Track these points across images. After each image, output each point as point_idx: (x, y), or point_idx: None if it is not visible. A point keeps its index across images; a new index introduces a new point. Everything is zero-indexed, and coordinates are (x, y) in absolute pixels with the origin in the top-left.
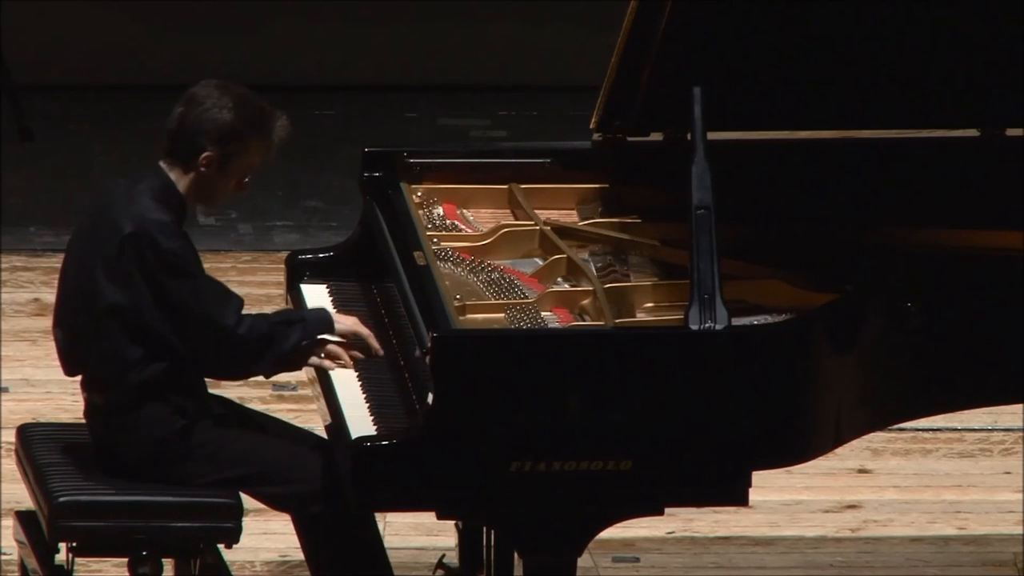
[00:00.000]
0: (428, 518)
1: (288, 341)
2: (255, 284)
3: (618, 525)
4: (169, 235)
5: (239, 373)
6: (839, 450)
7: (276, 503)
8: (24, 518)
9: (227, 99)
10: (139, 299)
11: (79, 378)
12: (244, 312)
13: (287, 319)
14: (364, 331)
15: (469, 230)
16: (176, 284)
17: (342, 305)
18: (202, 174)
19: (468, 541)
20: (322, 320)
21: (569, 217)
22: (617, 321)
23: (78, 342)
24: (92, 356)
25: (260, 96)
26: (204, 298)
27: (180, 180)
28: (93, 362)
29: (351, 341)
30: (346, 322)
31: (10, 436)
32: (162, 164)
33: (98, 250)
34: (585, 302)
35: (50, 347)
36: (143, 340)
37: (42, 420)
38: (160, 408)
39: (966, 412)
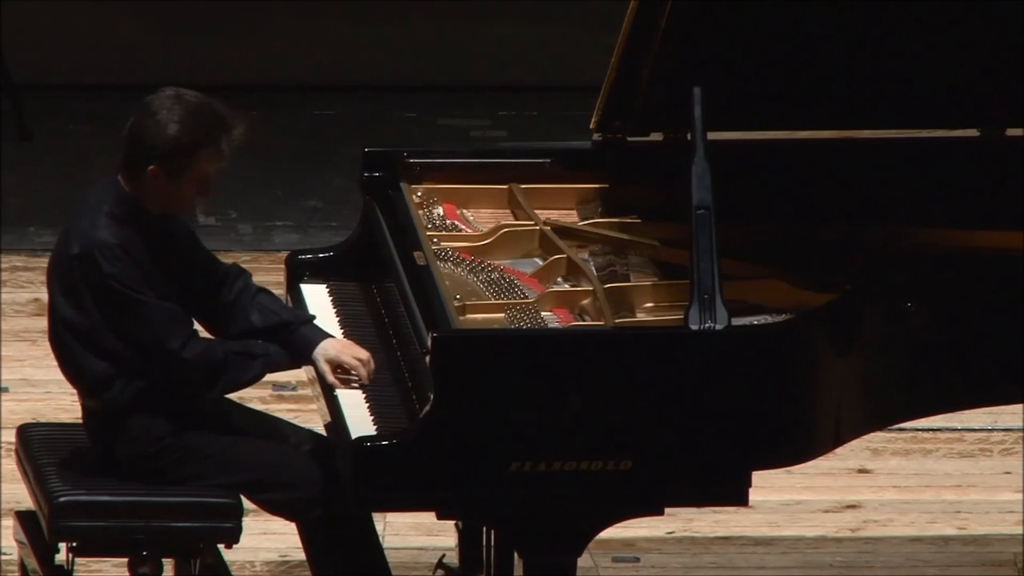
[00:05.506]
0: (428, 518)
1: (246, 373)
2: None
3: (618, 525)
4: (111, 259)
5: (192, 395)
6: (839, 450)
7: (274, 508)
8: (24, 518)
9: (177, 111)
10: (93, 318)
11: None
12: (197, 337)
13: (248, 351)
14: (350, 361)
15: (469, 230)
16: (120, 308)
17: (342, 305)
18: (151, 185)
19: (468, 541)
20: (288, 356)
21: (569, 217)
22: (617, 321)
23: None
24: (65, 365)
25: (218, 103)
26: (148, 322)
27: (135, 191)
28: (66, 372)
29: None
30: (326, 369)
31: (10, 436)
32: (119, 176)
33: (57, 262)
34: (585, 302)
35: (50, 347)
36: (104, 357)
37: (42, 420)
38: (152, 411)
39: (966, 412)
